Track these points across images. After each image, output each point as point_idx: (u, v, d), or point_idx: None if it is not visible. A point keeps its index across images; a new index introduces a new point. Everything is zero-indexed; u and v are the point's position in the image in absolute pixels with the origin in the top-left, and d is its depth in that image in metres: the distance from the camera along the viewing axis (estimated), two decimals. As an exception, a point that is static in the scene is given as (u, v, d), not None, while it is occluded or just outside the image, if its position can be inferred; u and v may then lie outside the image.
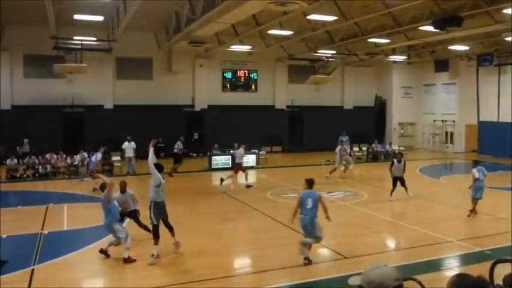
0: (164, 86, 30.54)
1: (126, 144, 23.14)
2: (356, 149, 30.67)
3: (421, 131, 37.70)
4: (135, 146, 23.13)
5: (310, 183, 10.32)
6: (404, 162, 17.32)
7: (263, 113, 32.76)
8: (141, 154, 25.69)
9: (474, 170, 14.35)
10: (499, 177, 21.00)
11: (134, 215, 11.55)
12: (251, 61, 33.04)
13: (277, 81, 34.49)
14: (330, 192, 18.44)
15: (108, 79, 29.72)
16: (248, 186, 19.56)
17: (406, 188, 17.00)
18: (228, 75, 33.23)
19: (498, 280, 5.91)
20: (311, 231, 10.08)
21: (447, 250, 11.24)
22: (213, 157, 25.26)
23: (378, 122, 37.44)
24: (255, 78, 33.88)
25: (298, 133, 34.17)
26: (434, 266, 9.98)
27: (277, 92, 34.51)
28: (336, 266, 10.11)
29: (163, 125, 28.67)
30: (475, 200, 14.31)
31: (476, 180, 14.20)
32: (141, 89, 29.90)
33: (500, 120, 31.78)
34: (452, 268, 9.88)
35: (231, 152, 21.94)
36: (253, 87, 33.91)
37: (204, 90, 32.02)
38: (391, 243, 12.53)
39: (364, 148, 30.52)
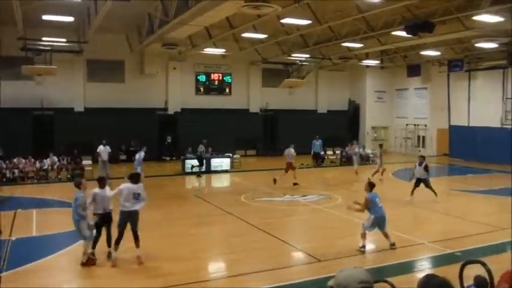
0: (137, 89, 30.31)
1: (101, 148, 22.78)
2: (330, 152, 30.97)
3: (393, 134, 38.33)
4: (110, 150, 22.86)
5: (371, 186, 11.52)
6: (427, 165, 17.67)
7: (237, 116, 32.81)
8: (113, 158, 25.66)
9: None
10: (469, 180, 21.52)
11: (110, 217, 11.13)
12: (225, 64, 33.09)
13: (251, 84, 34.61)
14: (304, 196, 18.57)
15: (78, 81, 29.35)
16: (295, 184, 20.74)
17: (433, 191, 17.36)
18: (202, 78, 33.19)
19: (468, 280, 6.08)
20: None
21: (419, 252, 11.47)
22: (186, 161, 25.17)
23: (352, 126, 37.90)
24: (229, 81, 33.93)
25: (273, 137, 34.32)
26: (406, 268, 10.17)
27: (251, 95, 34.62)
28: (310, 269, 10.19)
29: (136, 129, 28.49)
30: None
31: None
32: (113, 91, 29.60)
33: (470, 125, 32.55)
34: (423, 270, 10.07)
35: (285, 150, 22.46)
36: (227, 90, 33.94)
37: (178, 93, 31.91)
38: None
39: (337, 151, 30.83)
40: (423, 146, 35.62)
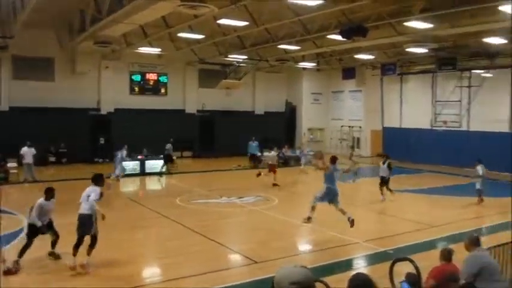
0: (67, 88, 29.28)
1: (25, 150, 21.85)
2: (266, 153, 31.19)
3: (329, 136, 39.30)
4: (34, 152, 21.96)
5: (334, 159, 12.83)
6: (390, 164, 18.86)
7: (173, 117, 32.48)
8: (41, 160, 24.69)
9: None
10: (402, 180, 22.35)
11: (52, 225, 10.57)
12: (161, 64, 32.66)
13: (188, 85, 34.37)
14: (241, 198, 18.65)
15: (3, 79, 27.95)
16: (275, 184, 21.58)
17: (389, 190, 18.63)
18: (137, 78, 32.59)
19: (400, 276, 6.34)
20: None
21: (354, 251, 11.83)
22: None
23: (288, 127, 38.49)
24: (165, 81, 33.52)
25: (209, 138, 34.24)
26: (341, 266, 10.44)
27: (187, 96, 34.37)
28: (247, 271, 10.26)
29: (67, 129, 27.57)
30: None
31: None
32: (42, 90, 28.41)
33: (402, 126, 33.93)
34: (357, 268, 10.41)
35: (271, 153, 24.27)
36: (162, 90, 33.51)
37: (111, 93, 31.10)
38: (301, 246, 12.91)
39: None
40: (358, 147, 36.71)
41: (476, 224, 15.18)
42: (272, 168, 22.46)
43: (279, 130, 36.49)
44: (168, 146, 26.18)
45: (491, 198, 19.90)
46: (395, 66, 31.84)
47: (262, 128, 33.55)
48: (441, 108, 30.96)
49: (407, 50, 25.64)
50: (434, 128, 31.06)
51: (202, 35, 24.31)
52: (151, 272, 10.60)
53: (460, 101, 29.73)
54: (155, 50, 28.44)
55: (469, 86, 29.22)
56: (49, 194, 10.20)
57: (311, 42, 25.69)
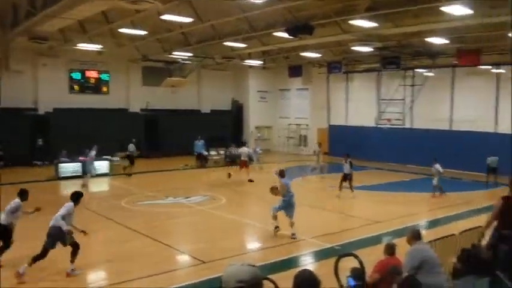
0: (2, 87, 28.22)
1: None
2: (213, 152, 31.36)
3: (276, 134, 39.80)
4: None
5: (282, 172, 13.39)
6: (350, 162, 20.00)
7: (116, 116, 31.98)
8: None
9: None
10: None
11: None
12: (102, 61, 32.01)
13: (131, 83, 33.90)
14: (188, 198, 18.70)
15: None
16: (250, 180, 22.33)
17: (351, 187, 19.71)
18: (77, 76, 31.82)
19: (345, 271, 6.66)
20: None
21: (301, 248, 12.19)
22: (60, 165, 24.03)
23: (235, 126, 38.69)
24: (107, 79, 32.91)
25: (155, 137, 33.96)
26: (288, 264, 10.75)
27: (131, 94, 33.91)
28: (195, 271, 10.39)
29: (2, 131, 26.60)
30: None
31: None
32: (-27, 89, 27.31)
33: (348, 124, 34.85)
34: (304, 265, 10.74)
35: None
36: (104, 89, 32.89)
37: (49, 92, 30.17)
38: (249, 245, 13.15)
39: (221, 152, 31.32)
40: (305, 145, 37.39)
41: (419, 218, 15.94)
42: (243, 165, 23.26)
43: (225, 129, 36.62)
44: (131, 146, 25.99)
45: (432, 194, 20.87)
46: (341, 64, 32.62)
47: (209, 127, 33.53)
48: (385, 107, 32.04)
49: (352, 48, 26.31)
50: (378, 125, 32.12)
51: (145, 31, 23.98)
52: (98, 277, 10.54)
53: (403, 99, 30.89)
54: (96, 47, 27.83)
55: (412, 85, 30.39)
56: (24, 195, 10.64)
57: (257, 40, 25.96)
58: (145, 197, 18.95)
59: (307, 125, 37.61)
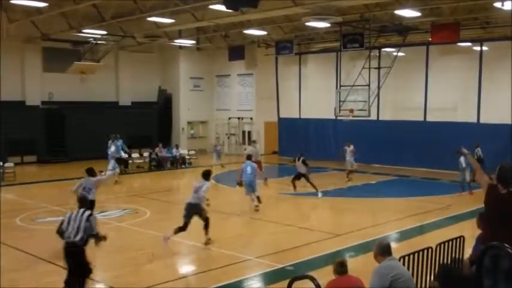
0: None
1: None
2: (136, 155, 30.88)
3: (214, 130, 39.68)
4: None
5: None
6: (304, 160, 21.27)
7: (9, 111, 30.92)
8: None
9: None
10: (301, 182, 22.92)
11: None
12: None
13: (28, 68, 32.93)
14: (103, 212, 18.28)
15: None
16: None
17: (314, 187, 20.90)
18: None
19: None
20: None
21: (245, 270, 12.05)
22: None
23: (163, 121, 38.30)
24: (-5, 64, 31.85)
25: (59, 137, 33.24)
26: (230, 290, 10.63)
27: (27, 83, 32.95)
28: (111, 304, 10.10)
29: None
30: None
31: None
32: None
33: (302, 117, 35.12)
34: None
35: None
36: (-9, 76, 31.80)
37: None
38: (181, 268, 12.98)
39: (146, 154, 30.88)
40: (249, 143, 37.41)
41: (387, 229, 16.14)
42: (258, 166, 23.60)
43: (150, 125, 36.18)
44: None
45: (403, 198, 21.30)
46: (292, 44, 32.80)
47: (129, 123, 33.14)
48: (346, 95, 32.46)
49: (306, 24, 26.55)
50: (339, 118, 32.47)
51: (46, 2, 23.35)
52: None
53: (368, 85, 31.37)
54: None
55: (379, 68, 30.88)
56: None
57: (189, 14, 25.72)
58: (47, 213, 18.40)
59: (251, 119, 37.69)
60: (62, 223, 10.08)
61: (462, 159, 20.51)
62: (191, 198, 13.75)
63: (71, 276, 9.81)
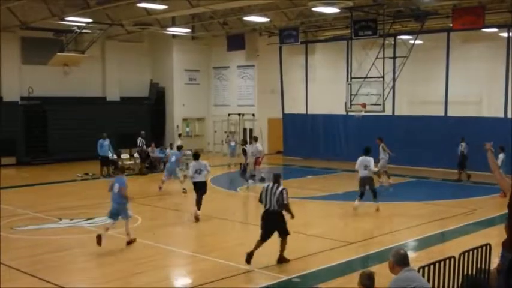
0: None
1: None
2: (125, 156, 30.82)
3: (212, 128, 39.64)
4: None
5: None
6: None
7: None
8: None
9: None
10: (308, 184, 23.08)
11: None
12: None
13: (5, 61, 32.95)
14: (90, 219, 18.30)
15: None
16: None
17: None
18: None
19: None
20: None
21: (248, 283, 12.04)
22: None
23: (155, 119, 38.27)
24: (-33, 56, 31.98)
25: (40, 137, 33.29)
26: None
27: (4, 77, 33.00)
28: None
29: None
30: None
31: None
32: None
33: (308, 113, 35.05)
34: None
35: None
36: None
37: None
38: (177, 282, 12.95)
39: (136, 155, 30.83)
40: (251, 143, 37.32)
41: (404, 236, 16.08)
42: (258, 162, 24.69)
43: (142, 122, 36.12)
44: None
45: (422, 202, 21.25)
46: (297, 32, 32.75)
47: (118, 120, 33.17)
48: (358, 88, 32.37)
49: (313, 9, 26.49)
50: (350, 113, 32.40)
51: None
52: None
53: (382, 77, 31.30)
54: None
55: (394, 57, 30.83)
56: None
57: (183, 0, 25.70)
58: (28, 220, 18.38)
59: (253, 115, 37.60)
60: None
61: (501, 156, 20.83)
62: None
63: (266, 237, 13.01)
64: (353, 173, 26.64)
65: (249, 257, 12.64)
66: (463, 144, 24.77)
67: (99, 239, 14.09)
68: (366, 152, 19.33)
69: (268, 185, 13.18)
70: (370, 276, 7.23)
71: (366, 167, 18.88)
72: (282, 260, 12.95)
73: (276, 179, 13.33)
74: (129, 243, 14.71)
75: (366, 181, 18.90)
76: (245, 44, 36.27)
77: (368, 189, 18.89)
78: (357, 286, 7.28)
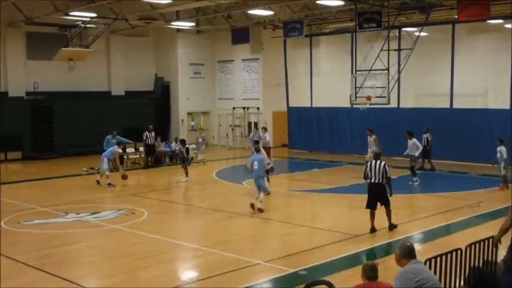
0: None
1: None
2: (131, 150, 30.84)
3: (217, 122, 39.66)
4: None
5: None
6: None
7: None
8: None
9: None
10: (314, 177, 23.06)
11: None
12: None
13: (10, 56, 32.94)
14: (96, 213, 18.33)
15: None
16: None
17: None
18: None
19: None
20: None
21: (253, 276, 12.03)
22: None
23: (160, 113, 38.27)
24: (-27, 51, 32.00)
25: (46, 132, 33.37)
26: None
27: (10, 72, 32.97)
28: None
29: None
30: None
31: None
32: None
33: (313, 106, 35.02)
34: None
35: None
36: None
37: None
38: (183, 274, 12.93)
39: (142, 149, 30.85)
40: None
41: (410, 229, 16.06)
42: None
43: (146, 116, 36.10)
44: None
45: (428, 194, 21.22)
46: (301, 24, 32.66)
47: (123, 115, 33.16)
48: (363, 80, 32.32)
49: (317, 2, 26.44)
50: (355, 106, 32.35)
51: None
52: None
53: (387, 69, 31.22)
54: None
55: (399, 50, 30.72)
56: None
57: (187, -7, 25.73)
58: (35, 215, 18.40)
59: (258, 109, 37.59)
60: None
61: (502, 149, 20.65)
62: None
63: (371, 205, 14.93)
64: (358, 167, 26.80)
65: (373, 230, 14.86)
66: (428, 134, 25.58)
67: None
68: (411, 136, 23.21)
69: (371, 162, 15.06)
70: (373, 268, 7.24)
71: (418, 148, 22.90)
72: (392, 226, 15.13)
73: (377, 157, 15.29)
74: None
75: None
76: (249, 37, 36.25)
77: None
78: (361, 278, 7.30)
